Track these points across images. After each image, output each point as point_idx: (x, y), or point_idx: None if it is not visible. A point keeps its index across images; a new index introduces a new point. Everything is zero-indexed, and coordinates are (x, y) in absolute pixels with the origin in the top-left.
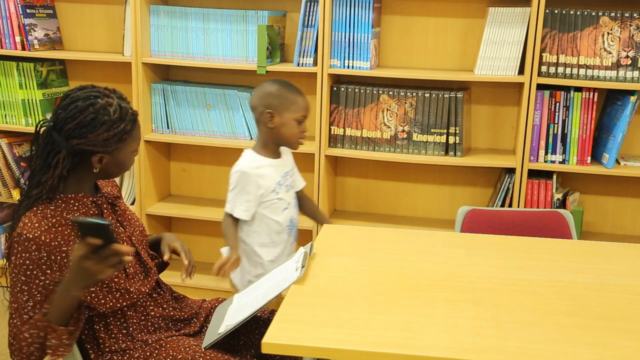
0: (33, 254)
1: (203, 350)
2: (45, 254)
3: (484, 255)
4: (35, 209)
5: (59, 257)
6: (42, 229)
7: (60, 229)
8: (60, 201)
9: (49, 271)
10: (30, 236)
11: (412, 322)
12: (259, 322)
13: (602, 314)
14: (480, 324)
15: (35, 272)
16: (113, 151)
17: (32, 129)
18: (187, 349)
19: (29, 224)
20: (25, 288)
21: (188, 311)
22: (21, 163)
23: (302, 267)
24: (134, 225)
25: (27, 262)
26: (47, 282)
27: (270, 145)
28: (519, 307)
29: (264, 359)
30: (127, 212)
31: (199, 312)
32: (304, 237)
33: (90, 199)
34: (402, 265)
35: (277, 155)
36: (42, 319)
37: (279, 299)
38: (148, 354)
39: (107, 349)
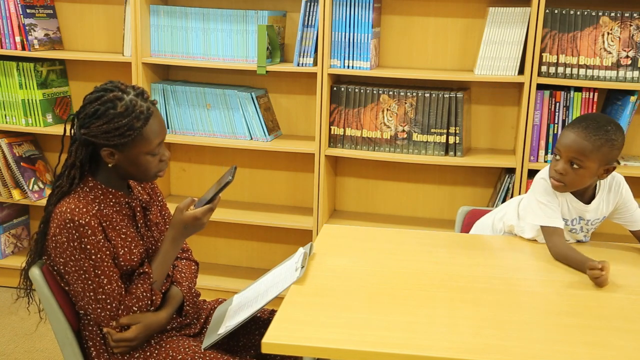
0: (91, 237)
1: (203, 350)
2: (101, 236)
3: (484, 255)
4: (77, 195)
5: (107, 243)
6: (91, 213)
7: (102, 218)
8: (99, 192)
9: (108, 252)
10: (83, 222)
11: (412, 322)
12: (258, 323)
13: (602, 314)
14: (480, 324)
15: (99, 254)
16: (121, 147)
17: (32, 129)
18: (187, 350)
19: (77, 210)
20: (100, 272)
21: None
22: (21, 163)
23: (302, 267)
24: (163, 233)
25: (89, 246)
26: (110, 261)
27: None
28: (519, 307)
29: None
30: (158, 221)
31: (199, 313)
32: (304, 237)
33: (126, 199)
34: (402, 265)
35: (587, 200)
36: (148, 289)
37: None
38: (148, 354)
39: (108, 345)
